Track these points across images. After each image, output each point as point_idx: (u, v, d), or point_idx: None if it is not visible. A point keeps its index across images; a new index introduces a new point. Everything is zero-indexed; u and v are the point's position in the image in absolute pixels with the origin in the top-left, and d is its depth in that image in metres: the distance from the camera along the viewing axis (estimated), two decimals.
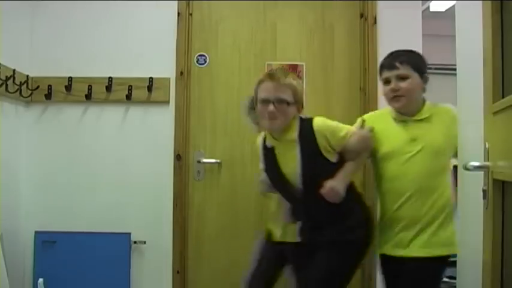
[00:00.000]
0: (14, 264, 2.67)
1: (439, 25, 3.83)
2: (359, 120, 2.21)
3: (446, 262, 2.06)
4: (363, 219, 2.11)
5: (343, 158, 2.09)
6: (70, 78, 2.89)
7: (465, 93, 2.31)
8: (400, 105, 2.09)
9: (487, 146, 1.51)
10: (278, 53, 3.07)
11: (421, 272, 2.00)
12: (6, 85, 2.57)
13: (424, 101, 2.13)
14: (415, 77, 2.06)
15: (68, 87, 2.89)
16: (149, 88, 2.88)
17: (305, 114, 2.75)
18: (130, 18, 2.96)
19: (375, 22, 2.95)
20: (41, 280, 2.76)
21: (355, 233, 2.04)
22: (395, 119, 2.14)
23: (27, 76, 2.84)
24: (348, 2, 3.04)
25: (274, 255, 2.20)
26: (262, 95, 2.05)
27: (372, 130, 2.13)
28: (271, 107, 2.02)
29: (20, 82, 2.73)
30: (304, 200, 2.08)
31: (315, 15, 3.09)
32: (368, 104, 2.92)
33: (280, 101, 2.02)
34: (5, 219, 2.56)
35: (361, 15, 2.99)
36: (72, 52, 2.94)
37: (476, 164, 1.51)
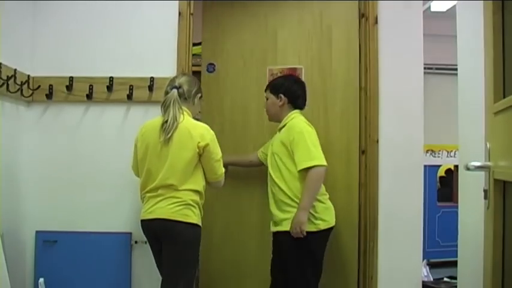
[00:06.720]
0: (15, 263, 2.67)
1: (440, 25, 3.83)
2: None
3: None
4: None
5: None
6: (71, 78, 2.89)
7: (466, 93, 2.32)
8: (268, 118, 2.82)
9: (488, 146, 1.51)
10: (278, 58, 3.14)
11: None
12: (7, 85, 2.56)
13: (287, 114, 2.69)
14: (271, 97, 2.72)
15: (69, 87, 2.89)
16: (150, 88, 2.87)
17: (305, 115, 2.77)
18: (132, 17, 2.95)
19: (376, 22, 2.94)
20: (41, 280, 2.76)
21: None
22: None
23: (28, 76, 2.83)
24: (349, 2, 3.04)
25: None
26: None
27: None
28: None
29: (21, 82, 2.73)
30: None
31: (313, 17, 3.11)
32: (369, 104, 2.92)
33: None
34: (6, 219, 2.55)
35: (362, 15, 2.98)
36: (73, 52, 2.94)
37: (478, 164, 1.51)
